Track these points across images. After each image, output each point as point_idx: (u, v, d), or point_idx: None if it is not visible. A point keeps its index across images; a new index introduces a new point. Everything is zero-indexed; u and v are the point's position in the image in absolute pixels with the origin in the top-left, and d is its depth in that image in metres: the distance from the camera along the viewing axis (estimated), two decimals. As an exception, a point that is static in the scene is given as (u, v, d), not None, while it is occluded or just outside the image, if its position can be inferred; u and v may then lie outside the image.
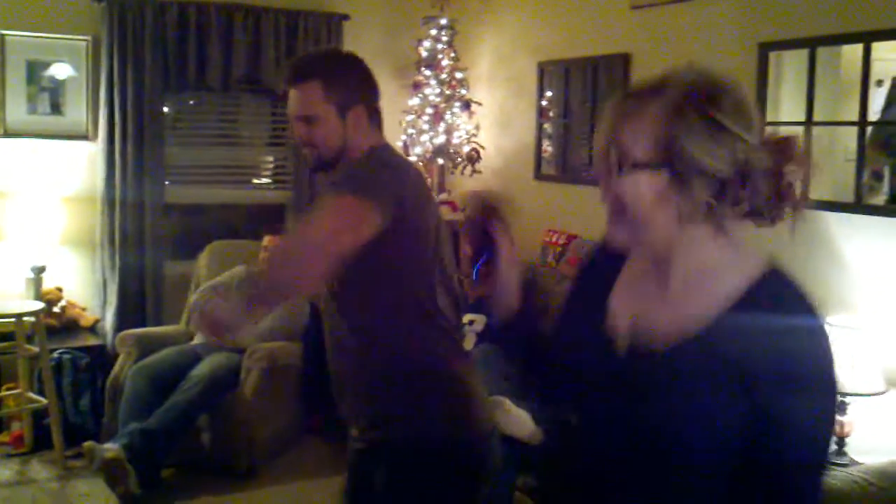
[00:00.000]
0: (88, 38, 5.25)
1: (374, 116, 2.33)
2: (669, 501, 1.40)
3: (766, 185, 1.33)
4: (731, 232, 1.37)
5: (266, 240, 4.97)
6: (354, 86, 2.29)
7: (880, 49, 3.55)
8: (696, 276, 1.38)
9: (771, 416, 1.29)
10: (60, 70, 5.25)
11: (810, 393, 1.31)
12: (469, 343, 4.40)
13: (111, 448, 4.09)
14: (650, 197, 1.34)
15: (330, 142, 2.25)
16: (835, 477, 2.83)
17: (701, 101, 1.31)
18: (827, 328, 1.34)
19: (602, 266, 1.54)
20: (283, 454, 4.81)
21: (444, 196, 5.76)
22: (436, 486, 2.20)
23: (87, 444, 4.15)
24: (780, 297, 1.33)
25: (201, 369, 4.56)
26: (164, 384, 4.50)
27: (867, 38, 3.50)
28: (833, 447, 3.32)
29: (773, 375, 1.29)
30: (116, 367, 4.79)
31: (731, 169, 1.31)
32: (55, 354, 4.83)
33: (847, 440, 3.29)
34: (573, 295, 1.64)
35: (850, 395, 3.24)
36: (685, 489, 1.38)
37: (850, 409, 3.27)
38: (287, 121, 5.62)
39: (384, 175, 2.16)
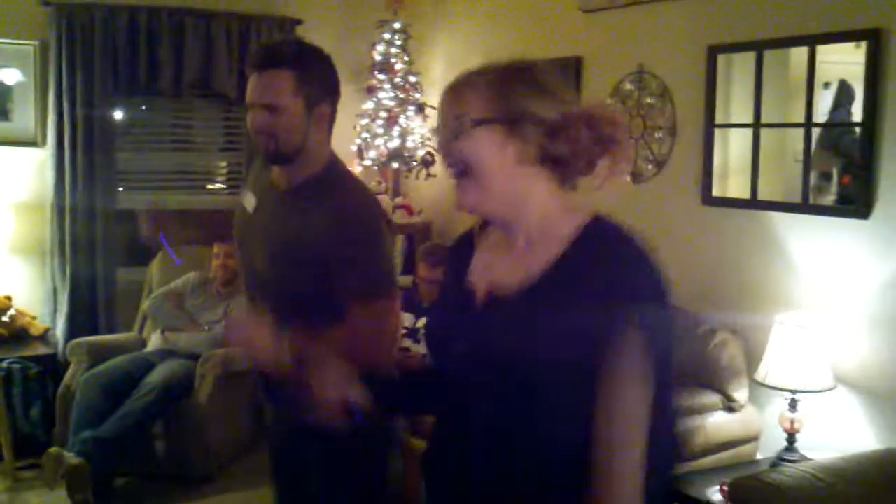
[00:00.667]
0: (36, 42, 5.17)
1: (334, 117, 2.31)
2: (524, 431, 1.50)
3: (587, 134, 1.51)
4: (563, 192, 1.56)
5: (217, 247, 4.93)
6: (324, 82, 2.25)
7: (827, 52, 3.61)
8: (537, 232, 1.55)
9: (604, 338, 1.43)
10: (8, 75, 5.17)
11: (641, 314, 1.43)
12: (424, 346, 4.40)
13: (74, 455, 4.05)
14: (490, 148, 1.51)
15: (291, 135, 2.19)
16: (785, 473, 2.86)
17: (522, 70, 1.55)
18: (649, 257, 1.49)
19: (463, 250, 1.71)
20: (238, 460, 4.76)
21: (399, 200, 5.76)
22: (359, 464, 2.28)
23: (54, 449, 4.11)
24: (604, 237, 1.52)
25: (154, 376, 4.51)
26: (116, 392, 4.44)
27: (813, 41, 3.56)
28: (783, 443, 3.37)
29: (606, 304, 1.42)
30: (68, 376, 4.72)
31: (554, 115, 1.51)
32: (4, 364, 4.74)
33: (797, 436, 3.33)
34: (444, 286, 1.82)
35: (800, 391, 3.29)
36: (536, 417, 1.49)
37: (799, 406, 3.32)
38: (240, 126, 5.69)
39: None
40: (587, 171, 1.55)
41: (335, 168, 2.31)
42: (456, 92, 1.56)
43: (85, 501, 4.06)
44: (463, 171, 1.54)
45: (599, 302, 1.43)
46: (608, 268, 1.46)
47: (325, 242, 2.15)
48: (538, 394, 1.46)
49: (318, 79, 2.23)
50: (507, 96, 1.52)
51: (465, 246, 1.72)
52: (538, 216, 1.55)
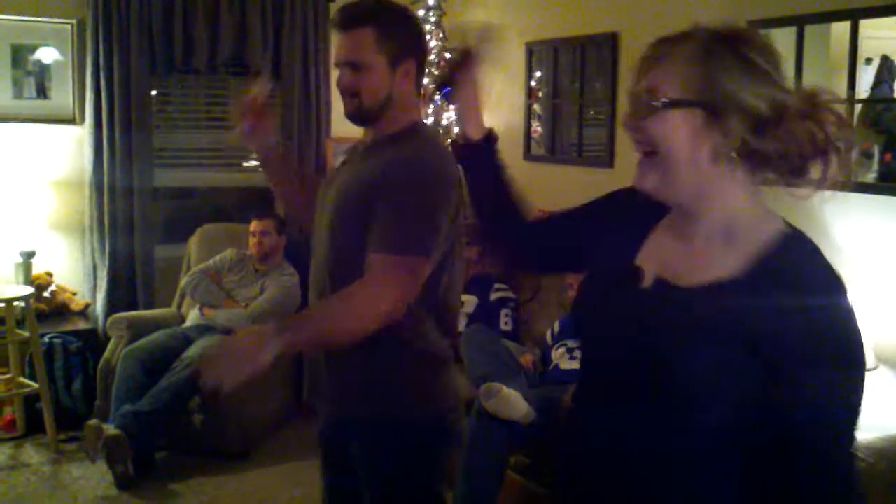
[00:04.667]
0: (73, 21, 5.21)
1: (420, 75, 2.28)
2: (670, 444, 1.39)
3: (803, 130, 1.32)
4: (755, 190, 1.39)
5: (253, 224, 4.97)
6: (408, 39, 2.23)
7: (869, 27, 3.55)
8: (724, 229, 1.39)
9: (784, 384, 1.30)
10: (46, 54, 5.21)
11: (830, 367, 1.30)
12: (460, 324, 4.41)
13: (113, 427, 4.12)
14: (684, 135, 1.34)
15: (375, 92, 2.18)
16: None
17: (731, 41, 1.34)
18: (852, 303, 1.33)
19: (638, 208, 1.50)
20: (274, 435, 4.82)
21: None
22: (412, 459, 2.22)
23: (92, 422, 4.18)
24: (803, 264, 1.34)
25: (192, 351, 4.57)
26: (155, 367, 4.51)
27: (855, 15, 3.51)
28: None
29: (790, 344, 1.29)
30: (108, 351, 4.79)
31: (766, 106, 1.31)
32: (46, 339, 4.82)
33: (837, 416, 3.31)
34: (600, 215, 1.65)
35: (840, 371, 3.26)
36: (686, 432, 1.38)
37: (839, 386, 3.29)
38: (275, 104, 5.69)
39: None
40: (794, 176, 1.36)
41: (418, 126, 2.28)
42: (651, 61, 1.38)
43: (125, 473, 4.14)
44: (649, 152, 1.38)
45: (800, 315, 1.29)
46: (812, 283, 1.32)
47: (377, 185, 2.11)
48: (696, 386, 1.34)
49: (401, 36, 2.21)
50: (712, 76, 1.31)
51: (642, 207, 1.49)
52: (727, 212, 1.38)
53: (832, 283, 1.34)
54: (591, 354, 1.57)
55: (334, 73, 5.53)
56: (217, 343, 1.92)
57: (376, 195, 2.11)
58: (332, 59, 2.26)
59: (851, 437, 1.37)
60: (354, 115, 2.24)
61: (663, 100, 1.34)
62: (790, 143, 1.32)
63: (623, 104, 2.96)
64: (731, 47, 1.33)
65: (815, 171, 1.36)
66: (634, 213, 1.52)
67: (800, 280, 1.33)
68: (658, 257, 1.47)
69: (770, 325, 1.30)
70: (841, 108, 1.35)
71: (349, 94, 2.21)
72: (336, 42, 2.23)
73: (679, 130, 1.34)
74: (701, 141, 1.34)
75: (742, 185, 1.38)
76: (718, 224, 1.39)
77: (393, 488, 2.23)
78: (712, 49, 1.33)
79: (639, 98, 1.37)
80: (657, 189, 1.40)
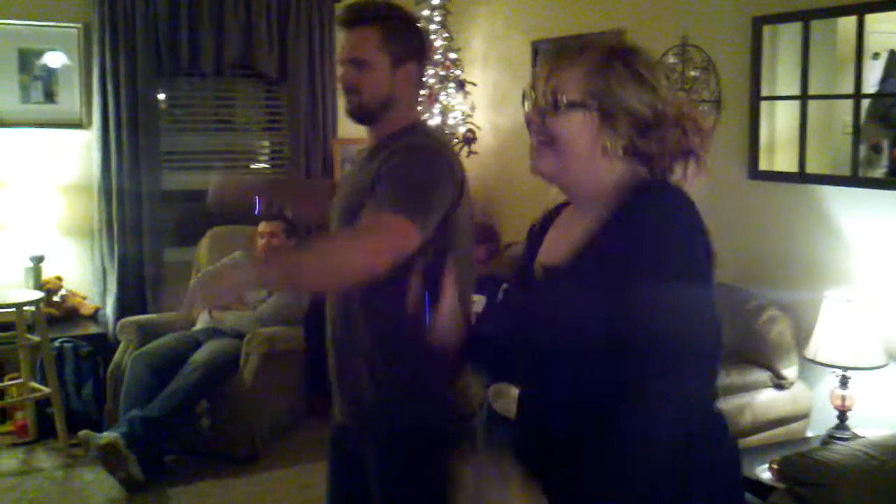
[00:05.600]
0: (80, 25, 5.23)
1: (421, 79, 2.33)
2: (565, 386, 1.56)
3: (673, 135, 1.55)
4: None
5: (262, 226, 4.97)
6: (411, 42, 2.26)
7: (876, 21, 3.53)
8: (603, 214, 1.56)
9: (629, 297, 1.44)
10: (53, 58, 5.23)
11: (652, 275, 1.44)
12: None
13: (106, 435, 4.12)
14: (581, 132, 1.55)
15: (376, 91, 2.21)
16: (836, 450, 2.84)
17: (624, 56, 1.57)
18: (683, 214, 1.47)
19: (539, 231, 1.76)
20: (282, 438, 4.82)
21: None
22: (428, 466, 2.20)
23: (82, 432, 4.19)
24: (639, 201, 1.51)
25: (200, 355, 4.57)
26: (164, 370, 4.51)
27: (861, 9, 3.49)
28: (834, 420, 3.33)
29: (630, 263, 1.44)
30: (118, 355, 4.80)
31: (649, 112, 1.55)
32: (56, 343, 4.84)
33: (849, 414, 3.30)
34: (524, 258, 1.80)
35: (851, 368, 3.25)
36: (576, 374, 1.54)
37: (850, 383, 3.28)
38: (281, 105, 5.72)
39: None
40: (665, 173, 1.58)
41: (419, 124, 2.33)
42: (554, 65, 1.58)
43: (128, 478, 4.12)
44: (547, 141, 1.58)
45: (630, 265, 1.44)
46: (637, 232, 1.47)
47: (379, 174, 2.12)
48: (583, 355, 1.50)
49: (404, 38, 2.24)
50: (607, 84, 1.54)
51: (542, 227, 1.75)
52: (610, 198, 1.56)
53: (658, 218, 1.48)
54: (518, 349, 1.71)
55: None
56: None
57: (377, 181, 2.13)
58: (337, 56, 2.29)
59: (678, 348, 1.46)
60: (354, 112, 2.28)
61: (567, 101, 1.54)
62: (663, 145, 1.56)
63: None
64: (624, 61, 1.56)
65: (678, 170, 1.59)
66: (537, 230, 1.76)
67: (639, 220, 1.48)
68: (552, 251, 1.66)
69: (610, 262, 1.48)
70: (707, 115, 1.58)
71: (350, 90, 2.24)
72: (341, 39, 2.27)
73: (577, 128, 1.56)
74: (595, 138, 1.55)
75: (624, 177, 1.57)
76: (602, 208, 1.57)
77: (405, 495, 2.22)
78: (609, 61, 1.55)
79: (544, 96, 1.57)
80: (552, 175, 1.61)
